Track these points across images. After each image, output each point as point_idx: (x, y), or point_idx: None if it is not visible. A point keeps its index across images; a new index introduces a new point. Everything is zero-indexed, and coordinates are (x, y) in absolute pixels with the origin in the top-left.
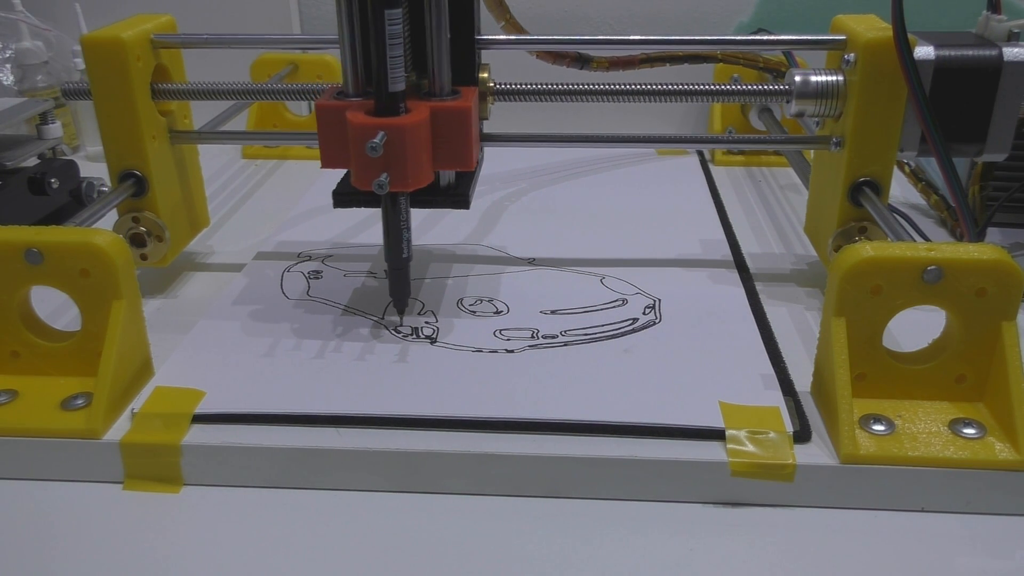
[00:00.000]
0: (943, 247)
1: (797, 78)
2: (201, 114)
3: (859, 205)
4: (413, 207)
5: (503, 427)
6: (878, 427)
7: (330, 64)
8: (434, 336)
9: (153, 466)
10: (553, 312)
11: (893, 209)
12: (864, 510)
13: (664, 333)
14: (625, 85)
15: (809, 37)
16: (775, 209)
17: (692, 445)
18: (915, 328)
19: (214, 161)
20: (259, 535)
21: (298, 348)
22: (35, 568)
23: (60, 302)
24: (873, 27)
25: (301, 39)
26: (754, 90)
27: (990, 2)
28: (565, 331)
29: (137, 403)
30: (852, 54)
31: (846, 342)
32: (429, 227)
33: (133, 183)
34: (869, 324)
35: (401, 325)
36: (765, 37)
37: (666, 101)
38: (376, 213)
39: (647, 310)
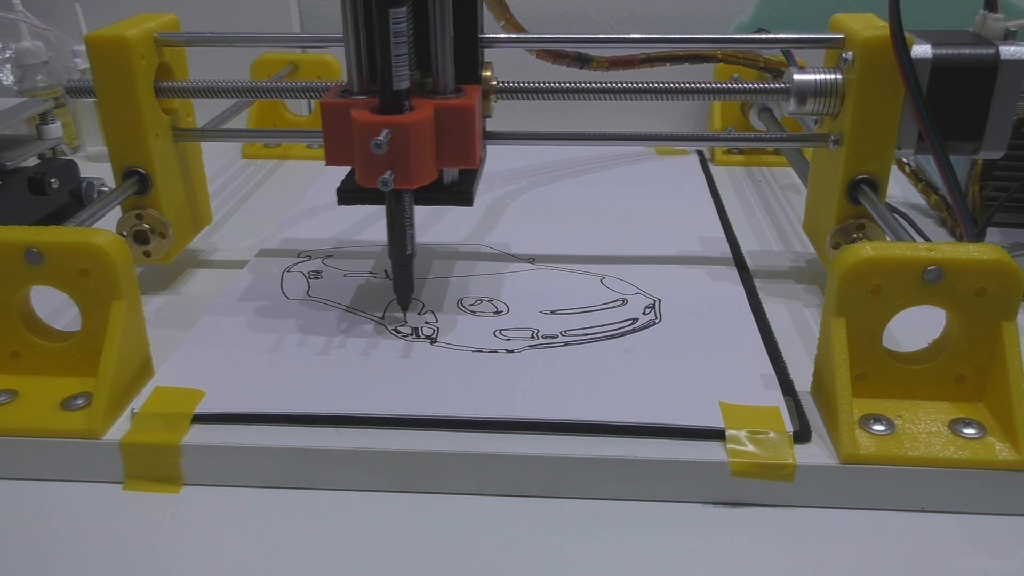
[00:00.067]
0: (943, 247)
1: (795, 77)
2: (201, 115)
3: (857, 203)
4: (417, 204)
5: (503, 427)
6: (878, 427)
7: (330, 64)
8: (434, 336)
9: (153, 466)
10: (553, 312)
11: (893, 209)
12: (864, 510)
13: (664, 333)
14: (626, 84)
15: (807, 36)
16: (775, 209)
17: (692, 445)
18: (915, 328)
19: (214, 161)
20: (259, 535)
21: (298, 348)
22: (35, 568)
23: (60, 302)
24: (871, 26)
25: (304, 37)
26: (753, 89)
27: (987, 1)
28: (565, 331)
29: (137, 403)
30: (850, 53)
31: (846, 342)
32: (430, 226)
33: (136, 180)
34: (869, 324)
35: (401, 323)
36: (764, 36)
37: (666, 100)
38: (377, 213)
39: (647, 310)
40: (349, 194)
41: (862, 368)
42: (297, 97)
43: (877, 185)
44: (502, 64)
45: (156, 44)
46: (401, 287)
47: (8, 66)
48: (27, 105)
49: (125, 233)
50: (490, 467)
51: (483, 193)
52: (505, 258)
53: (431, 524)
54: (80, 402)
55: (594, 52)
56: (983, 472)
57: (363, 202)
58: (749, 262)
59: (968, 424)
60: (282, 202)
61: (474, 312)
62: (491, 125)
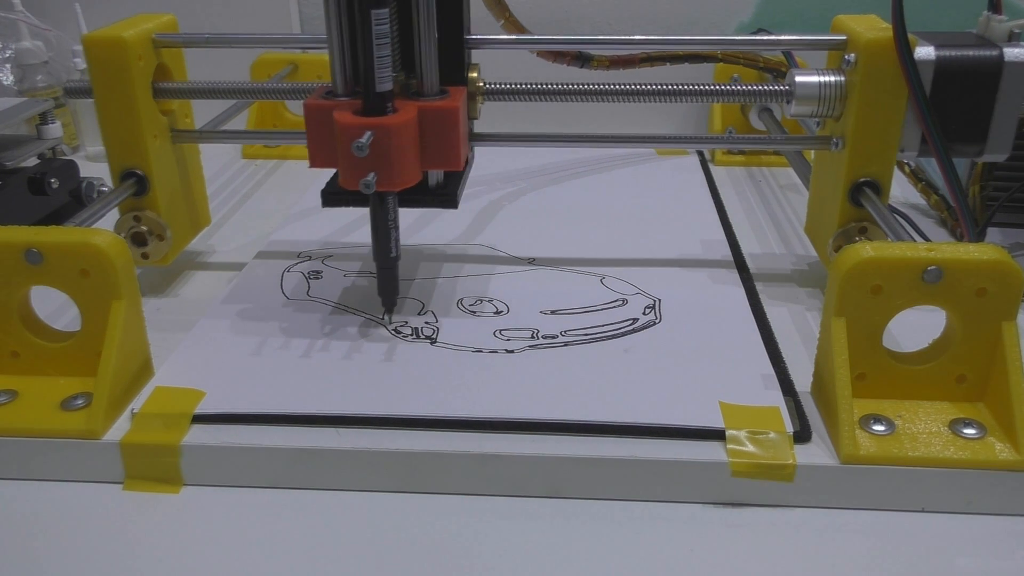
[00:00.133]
0: (943, 247)
1: (797, 79)
2: (201, 115)
3: (859, 205)
4: (401, 207)
5: (503, 427)
6: (878, 427)
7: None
8: (434, 336)
9: (153, 466)
10: (553, 312)
11: (893, 209)
12: (864, 510)
13: (664, 333)
14: (625, 85)
15: (809, 37)
16: (775, 209)
17: (692, 445)
18: (915, 328)
19: (214, 161)
20: (259, 535)
21: (298, 348)
22: (35, 568)
23: (60, 302)
24: (873, 27)
25: (302, 38)
26: (754, 90)
27: (991, 2)
28: (565, 331)
29: (137, 403)
30: (852, 54)
31: (846, 342)
32: (428, 227)
33: (134, 182)
34: (869, 324)
35: (391, 324)
36: (765, 37)
37: (666, 101)
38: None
39: (647, 310)
40: (334, 196)
41: (862, 368)
42: (294, 99)
43: (879, 188)
44: (502, 63)
45: (154, 45)
46: (386, 289)
47: (8, 66)
48: (27, 105)
49: (123, 235)
50: (490, 467)
51: (483, 194)
52: (505, 258)
53: (431, 524)
54: (80, 402)
55: (594, 53)
56: (983, 472)
57: (348, 204)
58: (750, 265)
59: (968, 424)
60: (282, 202)
61: (474, 312)
62: (492, 126)
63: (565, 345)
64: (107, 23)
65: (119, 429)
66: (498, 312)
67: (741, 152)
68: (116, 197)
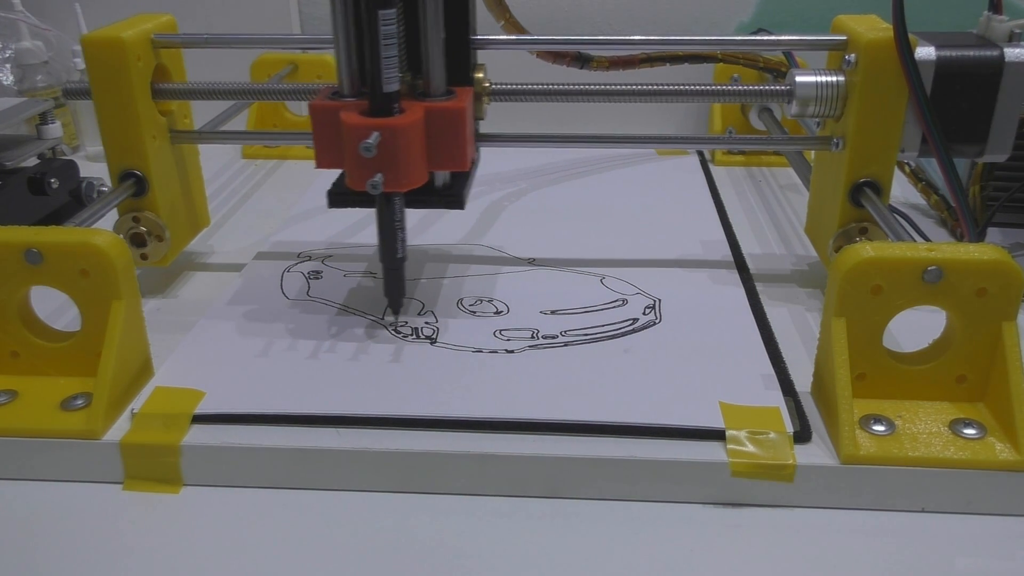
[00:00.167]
0: (943, 247)
1: (798, 79)
2: (201, 114)
3: (860, 206)
4: (408, 207)
5: (503, 427)
6: (878, 427)
7: (330, 64)
8: (434, 336)
9: (153, 466)
10: (553, 312)
11: (893, 209)
12: (864, 510)
13: (664, 333)
14: (625, 85)
15: (810, 37)
16: (775, 209)
17: (692, 445)
18: (915, 328)
19: (214, 161)
20: (259, 535)
21: (298, 348)
22: (35, 568)
23: (60, 302)
24: (874, 27)
25: (301, 39)
26: (754, 90)
27: (991, 2)
28: (565, 331)
29: (137, 403)
30: (853, 55)
31: (846, 342)
32: (428, 227)
33: (133, 183)
34: (869, 324)
35: (400, 324)
36: (765, 37)
37: (666, 101)
38: (374, 213)
39: (647, 310)
40: (340, 197)
41: (862, 368)
42: (294, 99)
43: (880, 188)
44: (502, 65)
45: (153, 45)
46: (392, 290)
47: (8, 66)
48: (27, 105)
49: (122, 236)
50: (490, 467)
51: (484, 194)
52: (505, 258)
53: (431, 524)
54: (80, 402)
55: (594, 53)
56: (983, 472)
57: (353, 205)
58: (750, 265)
59: (968, 424)
60: (282, 202)
61: (474, 312)
62: (491, 126)
63: (565, 345)
64: (107, 23)
65: (119, 429)
66: (498, 312)
67: (741, 152)
68: (115, 198)
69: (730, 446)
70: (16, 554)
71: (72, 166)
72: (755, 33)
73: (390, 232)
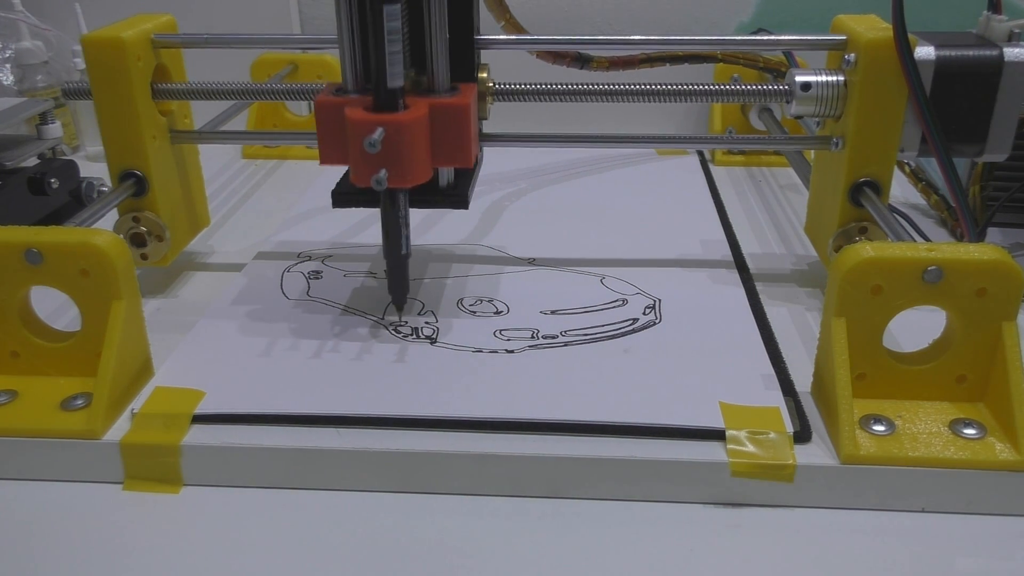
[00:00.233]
0: (943, 247)
1: (797, 79)
2: (201, 114)
3: (859, 205)
4: (412, 207)
5: (503, 427)
6: (878, 427)
7: (330, 64)
8: (434, 336)
9: (153, 466)
10: (553, 312)
11: (893, 209)
12: (864, 510)
13: (664, 333)
14: (625, 85)
15: (809, 37)
16: (775, 209)
17: (692, 445)
18: (915, 328)
19: (214, 161)
20: (259, 535)
21: (298, 348)
22: (35, 568)
23: (60, 302)
24: (873, 27)
25: (301, 39)
26: (754, 90)
27: (991, 2)
28: (565, 331)
29: (137, 403)
30: (852, 54)
31: (846, 342)
32: (429, 227)
33: (133, 183)
34: (869, 324)
35: (401, 324)
36: (765, 37)
37: (666, 101)
38: (375, 213)
39: (647, 310)
40: (344, 196)
41: (862, 368)
42: (294, 99)
43: (880, 188)
44: (502, 65)
45: (153, 45)
46: (396, 287)
47: (8, 66)
48: (27, 105)
49: (122, 236)
50: (490, 467)
51: (484, 194)
52: (505, 258)
53: (431, 524)
54: (80, 402)
55: (594, 53)
56: (983, 472)
57: (358, 205)
58: (750, 265)
59: (968, 424)
60: (282, 202)
61: (474, 312)
62: (491, 126)
63: (565, 345)
64: (107, 23)
65: (119, 429)
66: (498, 312)
67: (741, 152)
68: (115, 198)
69: (730, 446)
70: (16, 554)
71: (72, 166)
72: (755, 33)
73: (395, 228)
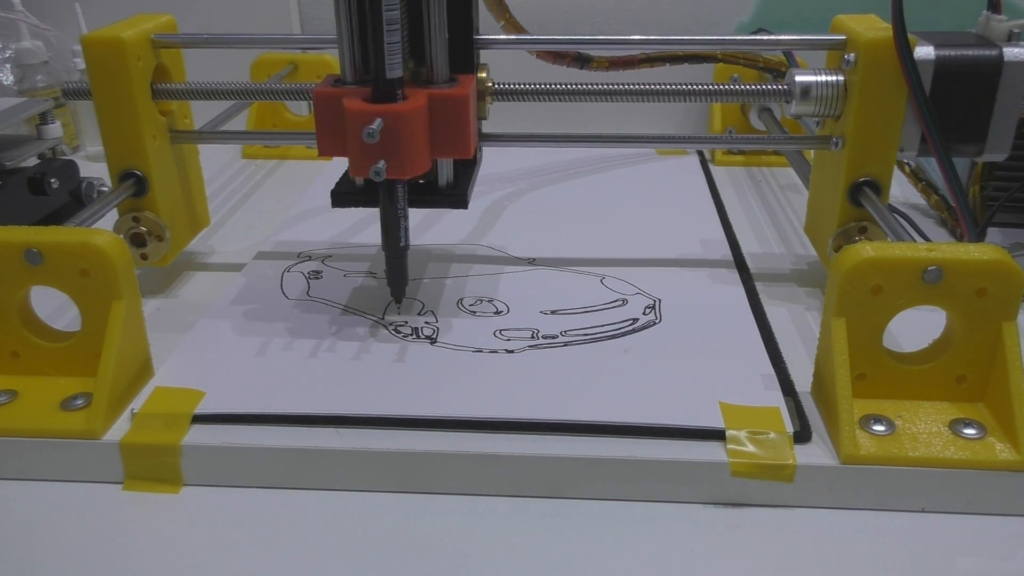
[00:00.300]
0: (943, 247)
1: (797, 78)
2: (201, 114)
3: (859, 205)
4: (411, 207)
5: (503, 427)
6: (878, 427)
7: (330, 64)
8: (434, 336)
9: (153, 466)
10: (553, 312)
11: (893, 209)
12: (864, 510)
13: (664, 333)
14: (625, 85)
15: (809, 37)
16: (775, 209)
17: (692, 445)
18: (915, 328)
19: (214, 161)
20: (259, 535)
21: (298, 348)
22: (35, 568)
23: (60, 302)
24: (873, 27)
25: (301, 39)
26: (754, 90)
27: (990, 2)
28: (565, 331)
29: (137, 403)
30: (852, 54)
31: (846, 342)
32: (429, 227)
33: (133, 183)
34: (869, 324)
35: (401, 324)
36: (765, 37)
37: (666, 101)
38: (375, 213)
39: (647, 310)
40: (343, 196)
41: (862, 368)
42: (294, 99)
43: (879, 187)
44: (502, 65)
45: (153, 45)
46: (395, 279)
47: (8, 66)
48: (27, 105)
49: (122, 236)
50: (490, 467)
51: (484, 194)
52: (505, 258)
53: (431, 524)
54: (80, 402)
55: (594, 53)
56: (983, 472)
57: (357, 204)
58: (750, 265)
59: (968, 424)
60: (282, 202)
61: (474, 312)
62: (491, 126)
63: (565, 345)
64: (107, 23)
65: (119, 429)
66: (498, 312)
67: (741, 152)
68: (115, 198)
69: (730, 446)
70: (16, 554)
71: (72, 166)
72: (755, 33)
73: (393, 221)
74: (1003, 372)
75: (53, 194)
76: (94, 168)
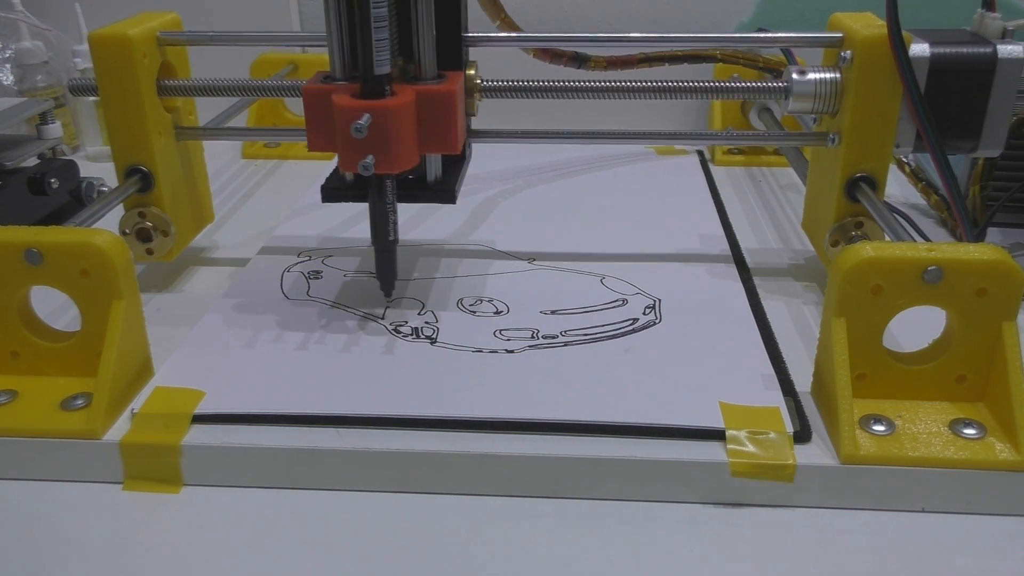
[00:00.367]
0: (943, 247)
1: (794, 75)
2: (203, 115)
3: (856, 200)
4: (400, 202)
5: (503, 427)
6: (878, 427)
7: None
8: (434, 336)
9: (153, 466)
10: (553, 312)
11: (893, 209)
12: (864, 510)
13: (664, 333)
14: (623, 82)
15: (805, 35)
16: (775, 209)
17: (692, 445)
18: (915, 328)
19: (215, 161)
20: (259, 535)
21: (298, 348)
22: (35, 568)
23: (60, 302)
24: (869, 24)
25: (305, 36)
26: (751, 87)
27: (985, 0)
28: (565, 331)
29: (137, 403)
30: (848, 51)
31: (846, 342)
32: (428, 227)
33: (139, 179)
34: (869, 324)
35: (401, 324)
36: (762, 35)
37: (663, 98)
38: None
39: (647, 310)
40: (333, 191)
41: (862, 368)
42: (298, 96)
43: (876, 183)
44: (500, 65)
45: (159, 43)
46: (384, 274)
47: (8, 66)
48: (27, 105)
49: (128, 231)
50: (490, 467)
51: (482, 192)
52: (505, 258)
53: (431, 524)
54: (80, 402)
55: (592, 52)
56: (983, 472)
57: (347, 199)
58: (749, 263)
59: (968, 424)
60: (282, 202)
61: (474, 312)
62: (492, 124)
63: (565, 345)
64: (107, 23)
65: (119, 429)
66: (498, 312)
67: (741, 152)
68: (120, 194)
69: (730, 446)
70: (16, 554)
71: (72, 166)
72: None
73: (382, 215)
74: (1003, 372)
75: (53, 194)
76: (94, 168)
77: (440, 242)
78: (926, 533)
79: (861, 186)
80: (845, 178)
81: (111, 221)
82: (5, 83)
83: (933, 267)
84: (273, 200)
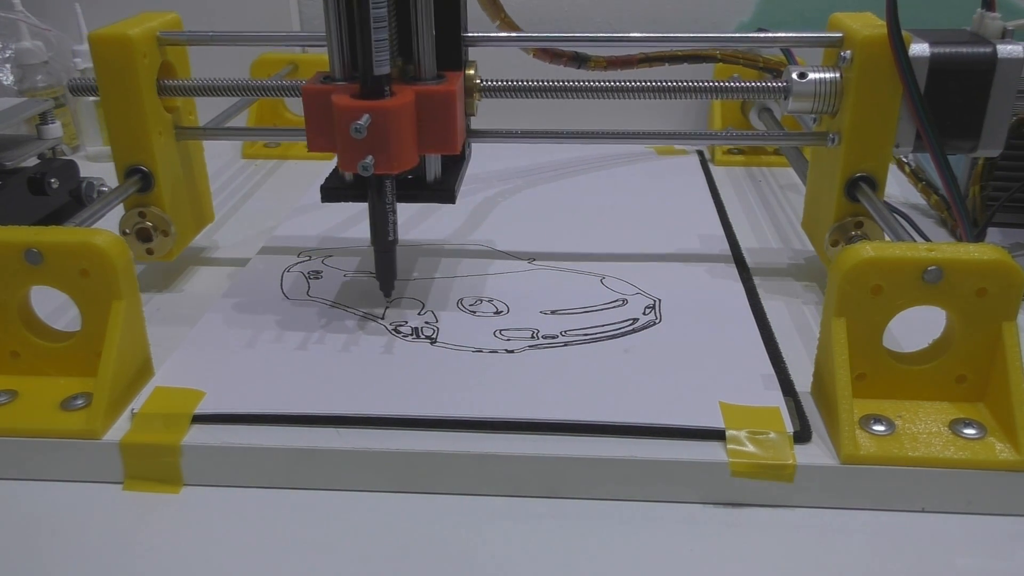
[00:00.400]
0: (943, 247)
1: (794, 75)
2: (203, 115)
3: (855, 200)
4: (399, 201)
5: (503, 427)
6: (878, 427)
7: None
8: (434, 336)
9: (153, 466)
10: (553, 312)
11: (893, 209)
12: (864, 510)
13: (664, 333)
14: (622, 82)
15: (805, 34)
16: (775, 209)
17: (692, 445)
18: (915, 328)
19: (214, 161)
20: (259, 535)
21: (298, 348)
22: (35, 568)
23: (60, 302)
24: (869, 24)
25: (306, 36)
26: (751, 87)
27: (984, 0)
28: (565, 331)
29: (137, 403)
30: (848, 51)
31: (846, 342)
32: (428, 226)
33: (139, 178)
34: (869, 324)
35: (401, 324)
36: (763, 35)
37: (663, 98)
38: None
39: (647, 310)
40: (333, 191)
41: (862, 368)
42: (298, 95)
43: (875, 183)
44: (499, 65)
45: (159, 43)
46: (384, 273)
47: (8, 66)
48: (27, 105)
49: (128, 231)
50: (490, 467)
51: (482, 192)
52: (505, 258)
53: (431, 524)
54: (80, 402)
55: (592, 52)
56: (983, 472)
57: (347, 199)
58: (750, 266)
59: (968, 424)
60: (282, 202)
61: (474, 312)
62: (492, 124)
63: (565, 345)
64: (107, 23)
65: (119, 429)
66: (498, 312)
67: (741, 152)
68: (121, 194)
69: (730, 446)
70: (16, 554)
71: (72, 166)
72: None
73: (381, 215)
74: (1003, 372)
75: (53, 194)
76: (94, 168)
77: (440, 242)
78: (926, 533)
79: (861, 186)
80: (845, 178)
81: (111, 221)
82: (5, 83)
83: (933, 267)
84: (273, 200)
